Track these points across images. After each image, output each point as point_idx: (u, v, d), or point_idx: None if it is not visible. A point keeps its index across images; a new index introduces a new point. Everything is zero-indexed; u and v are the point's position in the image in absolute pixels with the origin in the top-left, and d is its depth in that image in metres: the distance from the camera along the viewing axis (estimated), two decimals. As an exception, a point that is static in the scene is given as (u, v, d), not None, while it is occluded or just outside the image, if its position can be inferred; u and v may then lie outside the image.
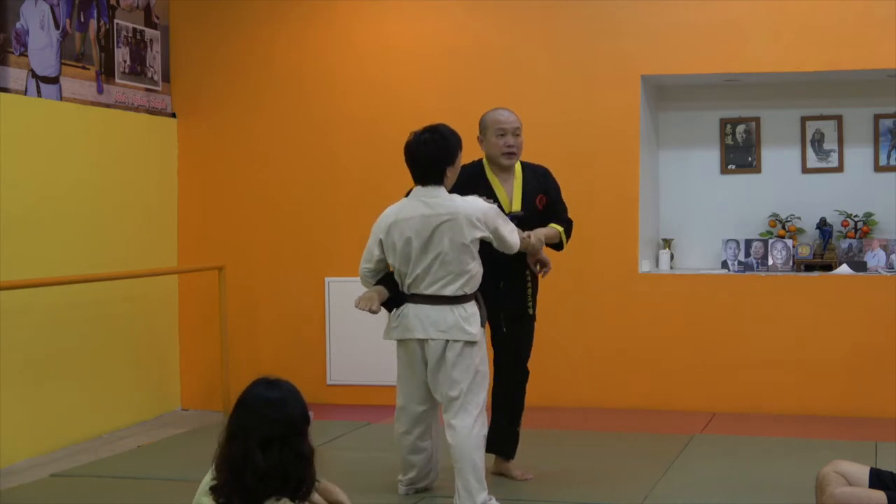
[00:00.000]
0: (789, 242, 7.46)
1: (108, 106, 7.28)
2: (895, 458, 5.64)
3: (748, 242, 7.53)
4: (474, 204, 4.87)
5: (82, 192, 7.01)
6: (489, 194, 5.23)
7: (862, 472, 4.35)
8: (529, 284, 5.39)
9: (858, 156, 7.60)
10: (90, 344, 7.01)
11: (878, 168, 7.57)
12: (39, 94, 6.66)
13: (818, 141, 7.66)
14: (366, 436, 6.68)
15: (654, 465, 5.70)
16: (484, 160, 5.42)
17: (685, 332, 7.31)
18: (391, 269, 5.01)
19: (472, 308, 4.88)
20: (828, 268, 7.34)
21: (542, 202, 5.37)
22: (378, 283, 5.01)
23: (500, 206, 5.20)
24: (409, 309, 4.90)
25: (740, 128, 7.79)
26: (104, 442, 6.88)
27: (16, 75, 6.47)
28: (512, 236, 4.95)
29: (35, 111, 6.62)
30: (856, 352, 7.03)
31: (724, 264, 7.55)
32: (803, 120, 7.68)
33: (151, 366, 7.70)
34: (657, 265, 7.75)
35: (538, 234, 5.23)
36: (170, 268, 7.84)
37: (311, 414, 3.30)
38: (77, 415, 6.87)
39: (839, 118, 7.61)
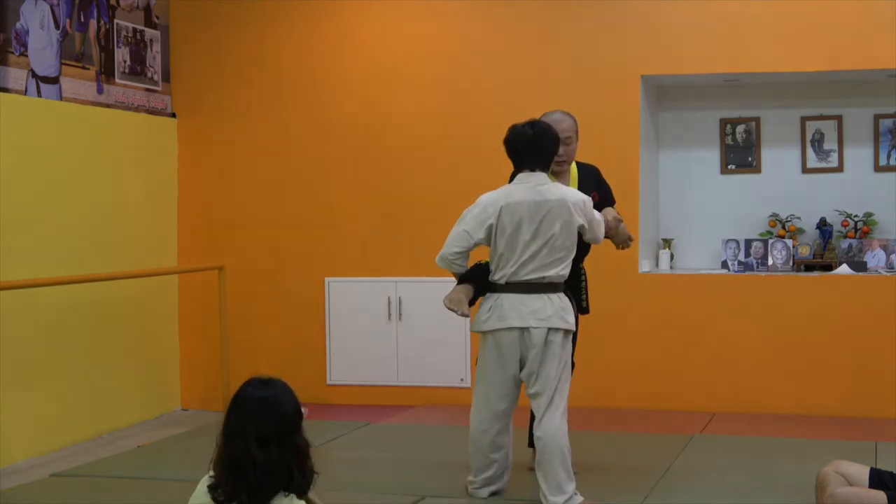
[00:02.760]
0: (789, 242, 7.46)
1: (108, 106, 7.28)
2: (895, 458, 5.64)
3: (748, 242, 7.53)
4: (576, 192, 4.98)
5: (82, 191, 7.01)
6: None
7: (862, 472, 4.35)
8: (584, 281, 5.50)
9: (858, 156, 7.60)
10: (90, 344, 7.01)
11: (878, 168, 7.57)
12: (39, 94, 6.66)
13: (818, 141, 7.66)
14: (366, 436, 6.67)
15: (654, 465, 5.70)
16: None
17: (685, 332, 7.31)
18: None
19: (566, 299, 4.92)
20: (828, 268, 7.34)
21: (595, 199, 5.38)
22: (463, 278, 5.01)
23: None
24: (504, 299, 4.88)
25: (740, 128, 7.79)
26: (104, 442, 6.88)
27: (16, 75, 6.47)
28: (600, 227, 5.07)
29: (35, 111, 6.62)
30: (856, 352, 7.02)
31: (724, 264, 7.55)
32: (803, 120, 7.68)
33: (151, 366, 7.70)
34: (657, 265, 7.75)
35: (609, 213, 5.35)
36: (170, 268, 7.84)
37: (304, 410, 3.34)
38: (77, 415, 6.88)
39: (839, 118, 7.61)
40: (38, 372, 6.55)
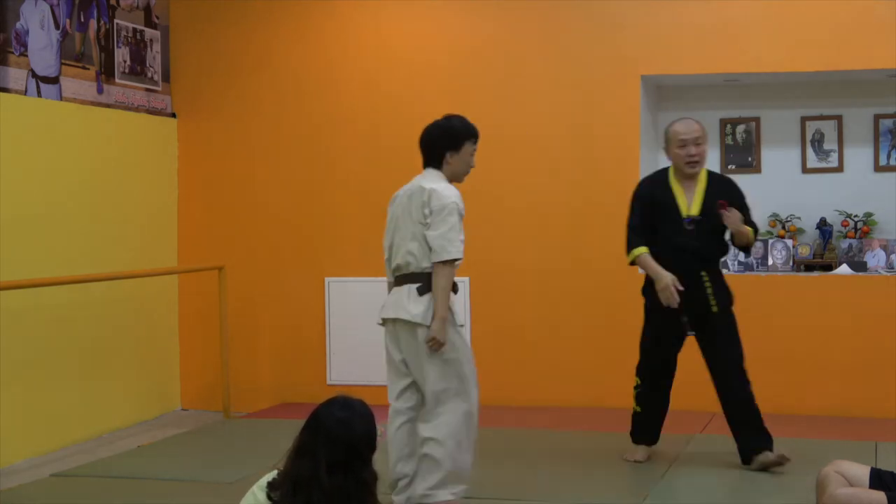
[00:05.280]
0: (789, 242, 7.46)
1: (108, 106, 7.28)
2: (895, 458, 5.64)
3: (748, 242, 7.52)
4: (442, 186, 4.84)
5: (82, 192, 7.01)
6: (669, 199, 5.50)
7: (862, 472, 4.34)
8: (709, 283, 5.54)
9: (858, 156, 7.60)
10: (90, 344, 7.01)
11: (878, 168, 7.57)
12: (39, 94, 6.66)
13: (818, 141, 7.66)
14: (366, 436, 6.66)
15: (654, 465, 5.70)
16: (670, 169, 5.62)
17: (685, 332, 7.30)
18: None
19: (420, 287, 4.79)
20: (828, 268, 7.34)
21: (724, 206, 5.44)
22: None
23: (678, 210, 5.48)
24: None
25: (740, 128, 7.79)
26: (104, 442, 6.88)
27: (16, 75, 6.47)
28: (442, 243, 4.72)
29: (35, 111, 6.62)
30: (856, 352, 7.02)
31: (724, 264, 7.54)
32: (803, 120, 7.68)
33: (151, 366, 7.70)
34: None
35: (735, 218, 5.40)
36: (170, 268, 7.84)
37: (381, 430, 3.32)
38: (77, 415, 6.88)
39: (839, 118, 7.61)
40: (38, 372, 6.55)
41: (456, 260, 4.79)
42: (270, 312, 7.94)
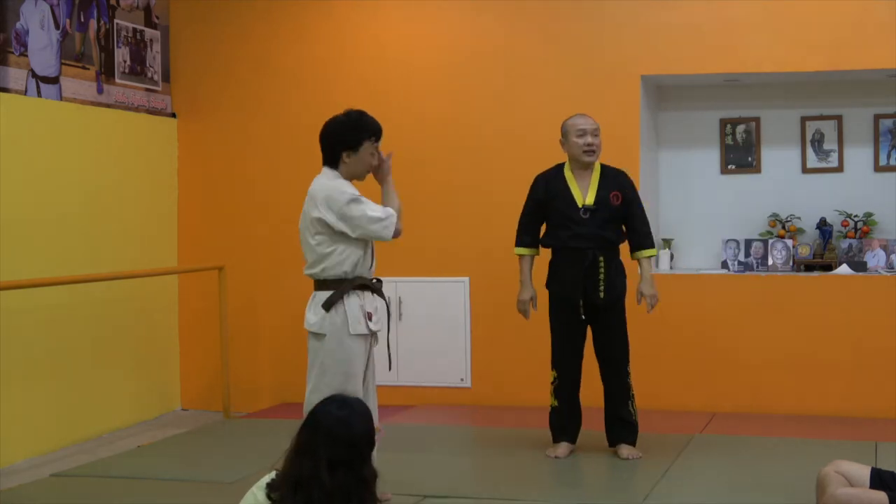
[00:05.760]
0: (789, 242, 7.46)
1: (108, 106, 7.28)
2: (895, 458, 5.64)
3: (748, 242, 7.53)
4: (328, 186, 4.70)
5: (82, 192, 7.01)
6: (565, 191, 5.79)
7: (863, 472, 4.34)
8: (602, 272, 5.71)
9: (858, 156, 7.60)
10: (90, 344, 7.01)
11: (878, 168, 7.57)
12: (39, 94, 6.66)
13: (818, 141, 7.66)
14: (366, 436, 6.66)
15: (654, 465, 5.70)
16: (565, 164, 5.94)
17: (685, 332, 7.30)
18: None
19: (323, 295, 4.68)
20: (828, 268, 7.34)
21: (618, 199, 5.81)
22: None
23: (573, 201, 5.75)
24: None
25: (740, 128, 7.79)
26: (104, 442, 6.88)
27: (16, 75, 6.47)
28: (370, 223, 4.70)
29: (35, 111, 6.62)
30: (856, 352, 7.02)
31: (724, 264, 7.55)
32: (803, 120, 7.68)
33: (151, 366, 7.70)
34: (657, 265, 7.74)
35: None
36: (170, 268, 7.84)
37: (380, 427, 3.33)
38: (77, 415, 6.88)
39: (839, 118, 7.61)
40: (38, 372, 6.55)
41: (396, 230, 4.83)
42: (270, 312, 7.94)
